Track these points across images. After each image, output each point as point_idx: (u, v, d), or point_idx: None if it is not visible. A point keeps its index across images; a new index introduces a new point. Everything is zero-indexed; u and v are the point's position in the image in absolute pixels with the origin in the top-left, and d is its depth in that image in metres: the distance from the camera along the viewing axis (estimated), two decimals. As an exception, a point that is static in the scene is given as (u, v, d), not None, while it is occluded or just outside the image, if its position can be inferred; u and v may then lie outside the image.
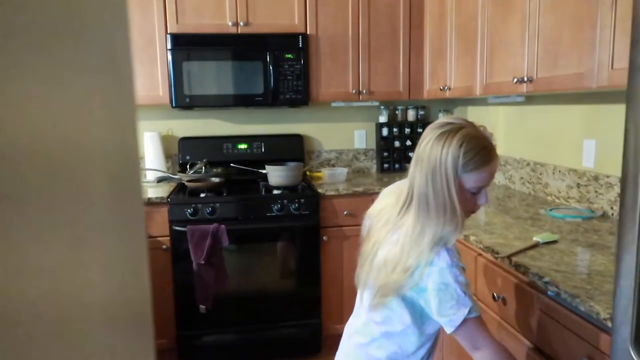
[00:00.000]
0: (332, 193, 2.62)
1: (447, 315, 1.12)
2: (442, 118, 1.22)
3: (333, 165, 3.24)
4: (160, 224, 2.46)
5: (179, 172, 2.89)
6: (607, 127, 1.96)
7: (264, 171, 2.77)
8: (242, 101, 2.76)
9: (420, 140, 1.20)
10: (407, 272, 1.13)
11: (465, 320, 1.11)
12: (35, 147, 0.27)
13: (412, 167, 1.21)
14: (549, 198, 2.32)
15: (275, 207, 2.53)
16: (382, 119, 3.22)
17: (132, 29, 0.34)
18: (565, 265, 1.39)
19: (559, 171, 2.24)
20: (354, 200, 2.62)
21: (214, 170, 2.80)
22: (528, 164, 2.49)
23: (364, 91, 2.91)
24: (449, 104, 3.30)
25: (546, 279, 1.30)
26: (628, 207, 0.83)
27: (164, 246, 2.47)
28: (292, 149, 3.10)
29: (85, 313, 0.31)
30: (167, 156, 3.05)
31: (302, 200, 2.55)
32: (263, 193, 2.66)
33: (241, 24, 2.72)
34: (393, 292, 1.17)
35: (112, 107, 0.32)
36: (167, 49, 2.65)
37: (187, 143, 3.01)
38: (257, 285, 2.57)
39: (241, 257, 2.57)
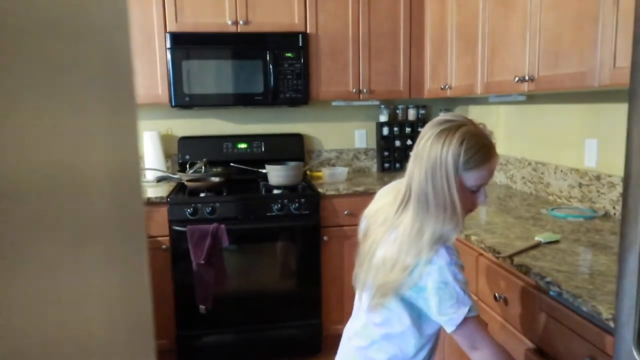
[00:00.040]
0: (333, 193, 2.61)
1: (447, 314, 1.11)
2: (442, 115, 1.21)
3: (333, 165, 3.23)
4: (159, 223, 2.45)
5: (179, 171, 2.88)
6: (609, 126, 1.95)
7: (264, 171, 2.76)
8: (242, 100, 2.75)
9: (419, 138, 1.18)
10: (406, 270, 1.12)
11: (465, 320, 1.10)
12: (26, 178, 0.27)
13: (410, 164, 1.19)
14: (550, 198, 2.30)
15: (276, 206, 2.52)
16: (383, 118, 3.21)
17: (131, 28, 0.33)
18: (567, 265, 1.38)
19: (561, 171, 2.22)
20: (355, 199, 2.61)
21: (214, 169, 2.79)
22: (529, 164, 2.48)
23: (365, 90, 2.90)
24: (450, 103, 3.29)
25: (548, 279, 1.29)
26: (630, 207, 0.82)
27: (164, 246, 2.46)
28: (292, 148, 3.09)
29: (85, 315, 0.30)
30: (167, 156, 3.04)
31: (303, 200, 2.54)
32: (263, 193, 2.65)
33: (241, 22, 2.71)
34: (392, 292, 1.15)
35: (113, 132, 0.31)
36: (166, 48, 2.64)
37: (187, 142, 3.01)
38: (258, 285, 2.56)
39: (241, 257, 2.56)
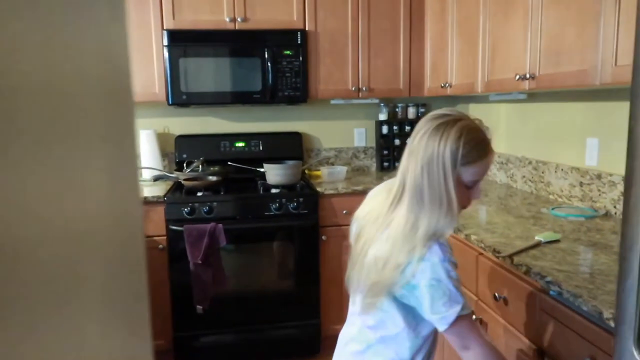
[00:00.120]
0: (332, 192, 2.60)
1: (440, 313, 1.09)
2: (438, 110, 1.18)
3: (332, 164, 3.22)
4: (156, 223, 2.44)
5: (176, 170, 2.87)
6: (611, 124, 1.93)
7: (262, 170, 2.74)
8: (239, 98, 2.73)
9: (415, 133, 1.16)
10: (399, 268, 1.09)
11: (457, 318, 1.08)
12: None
13: (404, 159, 1.17)
14: (551, 197, 2.29)
15: (274, 206, 2.50)
16: (382, 116, 3.20)
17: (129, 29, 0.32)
18: (568, 265, 1.36)
19: (562, 170, 2.21)
20: (354, 199, 2.59)
21: (211, 168, 2.77)
22: (530, 163, 2.46)
23: (364, 88, 2.88)
24: (450, 102, 3.27)
25: (548, 279, 1.28)
26: (632, 206, 0.82)
27: (160, 246, 2.45)
28: (290, 147, 3.07)
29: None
30: (164, 154, 3.02)
31: (301, 199, 2.52)
32: (261, 192, 2.63)
33: (239, 19, 2.69)
34: (384, 291, 1.13)
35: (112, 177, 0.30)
36: (163, 46, 2.63)
37: (184, 141, 2.99)
38: (256, 285, 2.55)
39: (239, 257, 2.54)
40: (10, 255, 0.23)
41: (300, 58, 2.73)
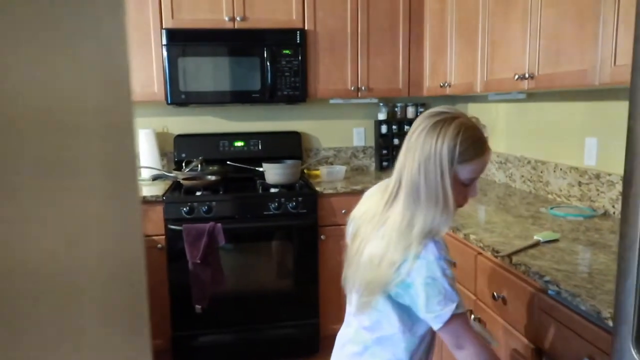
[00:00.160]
0: (331, 191, 2.60)
1: (435, 312, 1.08)
2: (435, 108, 1.18)
3: (331, 163, 3.22)
4: (155, 222, 2.43)
5: (175, 170, 2.87)
6: (609, 124, 1.93)
7: (261, 169, 2.74)
8: (238, 98, 2.73)
9: (411, 131, 1.15)
10: (394, 266, 1.09)
11: (452, 317, 1.07)
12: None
13: (401, 157, 1.16)
14: (550, 196, 2.29)
15: (273, 205, 2.50)
16: (381, 116, 3.20)
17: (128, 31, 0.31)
18: (566, 264, 1.37)
19: (560, 169, 2.21)
20: (353, 198, 2.56)
21: (210, 168, 2.77)
22: (529, 162, 2.46)
23: (363, 88, 2.88)
24: (449, 101, 3.27)
25: (547, 278, 1.28)
26: (631, 206, 0.81)
27: (159, 245, 2.44)
28: (289, 146, 3.07)
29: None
30: (162, 154, 3.02)
31: (300, 199, 2.52)
32: (260, 191, 2.63)
33: (238, 19, 2.69)
34: (379, 289, 1.12)
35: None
36: (162, 45, 2.62)
37: (183, 140, 2.99)
38: (254, 285, 2.55)
39: (238, 257, 2.54)
40: (10, 259, 0.23)
41: (299, 57, 2.73)
